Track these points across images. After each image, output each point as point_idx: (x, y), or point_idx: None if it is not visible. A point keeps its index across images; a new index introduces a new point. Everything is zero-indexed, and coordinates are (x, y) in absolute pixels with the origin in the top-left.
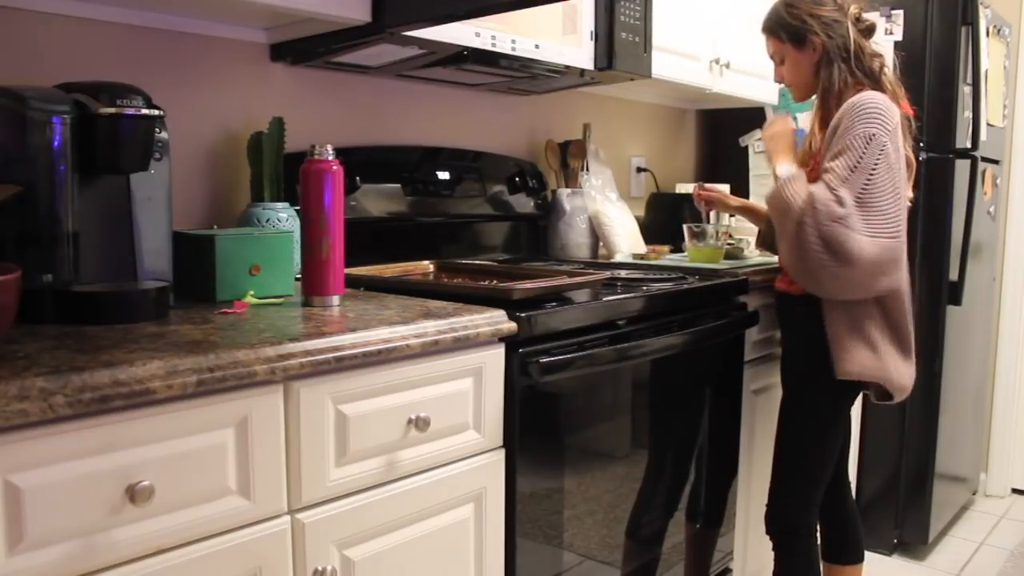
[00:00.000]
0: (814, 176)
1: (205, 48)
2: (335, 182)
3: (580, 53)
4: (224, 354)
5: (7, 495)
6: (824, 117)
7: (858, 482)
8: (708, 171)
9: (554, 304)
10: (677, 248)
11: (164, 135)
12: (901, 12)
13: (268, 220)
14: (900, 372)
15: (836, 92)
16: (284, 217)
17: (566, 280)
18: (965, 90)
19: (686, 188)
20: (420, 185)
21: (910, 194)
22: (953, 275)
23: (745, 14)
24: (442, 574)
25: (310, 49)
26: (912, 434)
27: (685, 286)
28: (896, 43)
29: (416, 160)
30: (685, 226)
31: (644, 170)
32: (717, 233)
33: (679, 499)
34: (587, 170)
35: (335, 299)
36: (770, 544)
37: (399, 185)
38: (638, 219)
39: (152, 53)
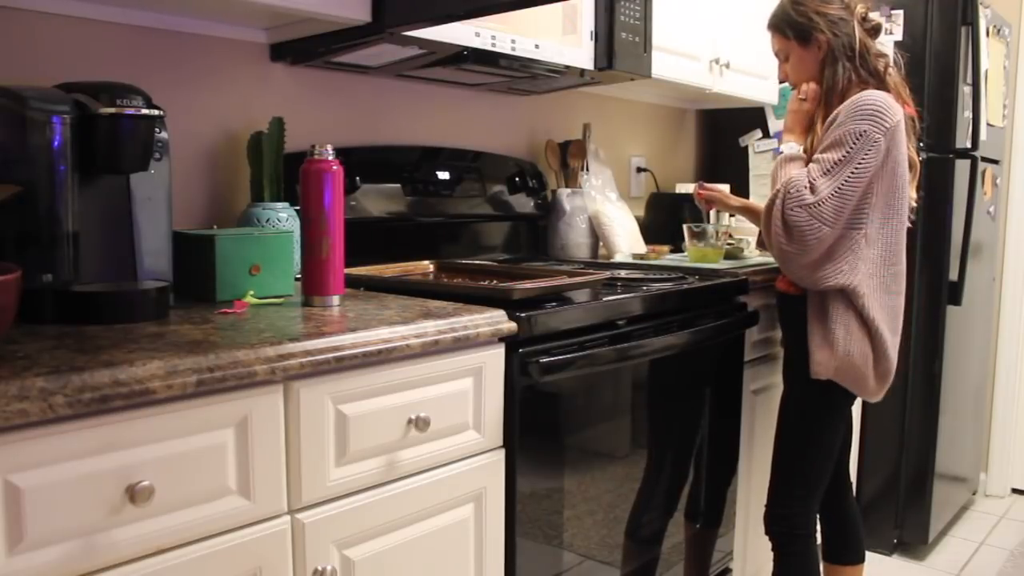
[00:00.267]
0: None
1: (205, 48)
2: (335, 182)
3: (580, 53)
4: (224, 354)
5: (7, 495)
6: (826, 115)
7: (858, 482)
8: (708, 171)
9: (554, 304)
10: (677, 248)
11: (164, 135)
12: (901, 12)
13: (268, 220)
14: (864, 376)
15: (840, 91)
16: (284, 217)
17: (566, 280)
18: (965, 90)
19: (686, 188)
20: (420, 185)
21: (914, 194)
22: (953, 275)
23: (745, 14)
24: (442, 574)
25: (310, 49)
26: (912, 434)
27: (685, 286)
28: (896, 43)
29: (416, 160)
30: (685, 226)
31: (644, 170)
32: (717, 233)
33: (679, 499)
34: (587, 170)
35: (335, 299)
36: (770, 544)
37: (399, 185)
38: (638, 219)
39: (152, 53)
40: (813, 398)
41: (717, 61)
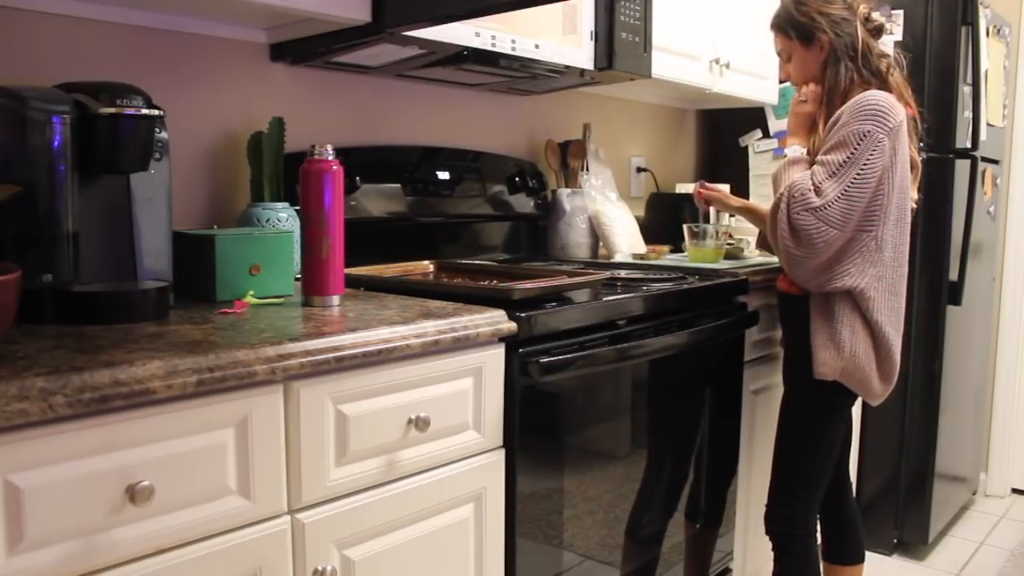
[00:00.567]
0: None
1: (205, 48)
2: (335, 182)
3: (580, 53)
4: (224, 354)
5: (7, 495)
6: (829, 115)
7: (858, 482)
8: (708, 171)
9: (554, 304)
10: (677, 248)
11: (164, 135)
12: (901, 12)
13: (268, 220)
14: (868, 377)
15: (842, 91)
16: (284, 217)
17: (566, 280)
18: (965, 90)
19: (686, 188)
20: (420, 185)
21: (915, 195)
22: (953, 275)
23: (745, 14)
24: (442, 574)
25: (310, 49)
26: (912, 434)
27: (685, 286)
28: (896, 43)
29: (416, 160)
30: (685, 226)
31: (644, 170)
32: (717, 233)
33: (679, 499)
34: (587, 170)
35: (335, 299)
36: (770, 544)
37: (399, 185)
38: (638, 219)
39: (152, 53)
40: (814, 398)
41: (717, 61)
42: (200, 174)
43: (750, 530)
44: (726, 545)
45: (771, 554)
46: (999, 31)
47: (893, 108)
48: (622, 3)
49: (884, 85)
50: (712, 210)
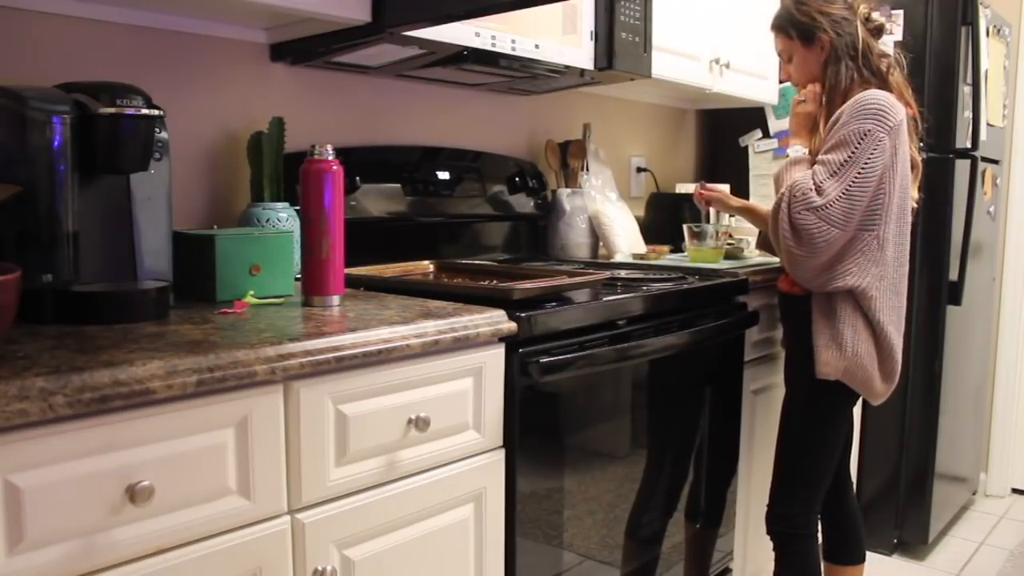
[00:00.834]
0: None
1: (205, 48)
2: (335, 182)
3: (580, 53)
4: (224, 354)
5: (7, 495)
6: (829, 115)
7: (858, 482)
8: (708, 171)
9: (554, 304)
10: (677, 248)
11: (164, 135)
12: (901, 12)
13: (268, 220)
14: (871, 376)
15: (842, 90)
16: (284, 217)
17: (566, 280)
18: (965, 90)
19: (686, 188)
20: (420, 185)
21: (915, 195)
22: (953, 275)
23: (745, 14)
24: (442, 574)
25: (310, 49)
26: (912, 434)
27: (685, 286)
28: (896, 43)
29: (416, 160)
30: (685, 226)
31: (644, 170)
32: (717, 233)
33: (679, 499)
34: (587, 170)
35: (335, 299)
36: (770, 544)
37: (399, 185)
38: (638, 219)
39: (152, 53)
40: (815, 398)
41: (717, 61)
42: (200, 174)
43: (750, 530)
44: (726, 545)
45: (771, 554)
46: (999, 31)
47: (893, 107)
48: (622, 3)
49: (884, 85)
50: (712, 210)
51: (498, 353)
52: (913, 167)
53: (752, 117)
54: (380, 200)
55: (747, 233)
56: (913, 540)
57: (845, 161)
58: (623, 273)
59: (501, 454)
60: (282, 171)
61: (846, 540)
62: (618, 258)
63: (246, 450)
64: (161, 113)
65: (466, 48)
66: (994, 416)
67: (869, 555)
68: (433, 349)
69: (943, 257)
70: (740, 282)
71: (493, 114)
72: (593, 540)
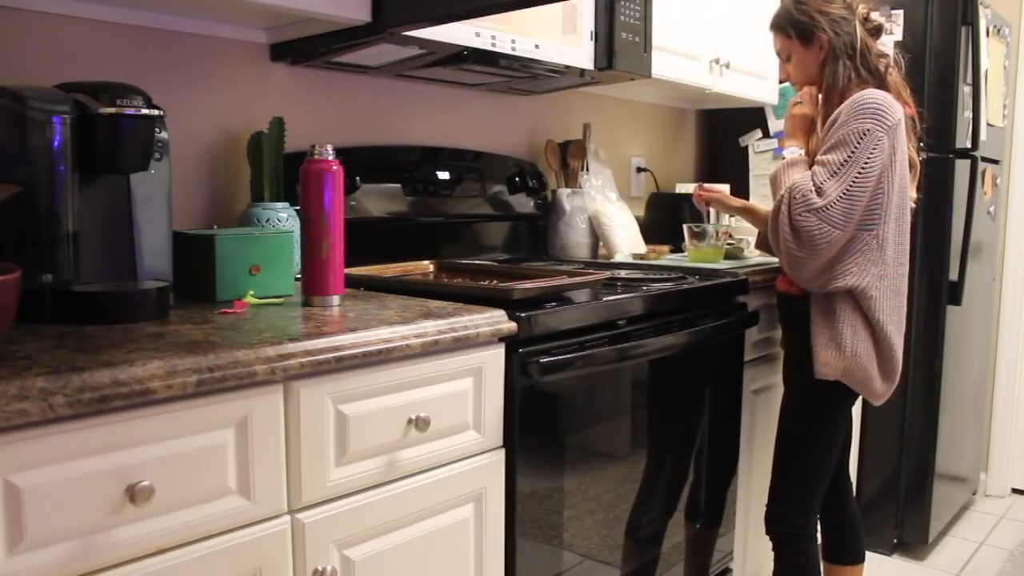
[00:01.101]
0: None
1: (205, 48)
2: (335, 182)
3: (580, 53)
4: (224, 354)
5: (7, 495)
6: (827, 114)
7: (858, 482)
8: (708, 171)
9: (554, 304)
10: (677, 248)
11: (164, 135)
12: (901, 12)
13: (268, 220)
14: (870, 376)
15: (840, 90)
16: (284, 217)
17: (566, 280)
18: (965, 90)
19: (686, 188)
20: (420, 185)
21: (914, 194)
22: (953, 275)
23: (745, 14)
24: (442, 574)
25: (310, 49)
26: (912, 434)
27: (685, 286)
28: (896, 43)
29: (416, 160)
30: (685, 226)
31: (644, 170)
32: (717, 233)
33: (679, 499)
34: (587, 170)
35: (335, 299)
36: (770, 544)
37: (399, 185)
38: (638, 219)
39: (152, 53)
40: (814, 398)
41: (717, 61)
42: (200, 174)
43: (750, 530)
44: (726, 545)
45: (771, 554)
46: (999, 31)
47: (891, 106)
48: (622, 3)
49: (882, 84)
50: (712, 210)
51: (498, 353)
52: (911, 167)
53: (752, 117)
54: (380, 200)
55: (747, 233)
56: (913, 540)
57: (845, 161)
58: (623, 273)
59: (501, 454)
60: (282, 171)
61: (845, 540)
62: (618, 258)
63: (246, 450)
64: (161, 113)
65: (466, 48)
66: (994, 416)
67: (869, 555)
68: (433, 349)
69: (943, 257)
70: (740, 282)
71: (493, 114)
72: (593, 540)
